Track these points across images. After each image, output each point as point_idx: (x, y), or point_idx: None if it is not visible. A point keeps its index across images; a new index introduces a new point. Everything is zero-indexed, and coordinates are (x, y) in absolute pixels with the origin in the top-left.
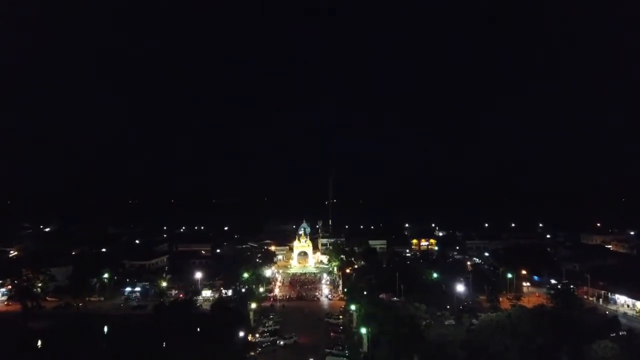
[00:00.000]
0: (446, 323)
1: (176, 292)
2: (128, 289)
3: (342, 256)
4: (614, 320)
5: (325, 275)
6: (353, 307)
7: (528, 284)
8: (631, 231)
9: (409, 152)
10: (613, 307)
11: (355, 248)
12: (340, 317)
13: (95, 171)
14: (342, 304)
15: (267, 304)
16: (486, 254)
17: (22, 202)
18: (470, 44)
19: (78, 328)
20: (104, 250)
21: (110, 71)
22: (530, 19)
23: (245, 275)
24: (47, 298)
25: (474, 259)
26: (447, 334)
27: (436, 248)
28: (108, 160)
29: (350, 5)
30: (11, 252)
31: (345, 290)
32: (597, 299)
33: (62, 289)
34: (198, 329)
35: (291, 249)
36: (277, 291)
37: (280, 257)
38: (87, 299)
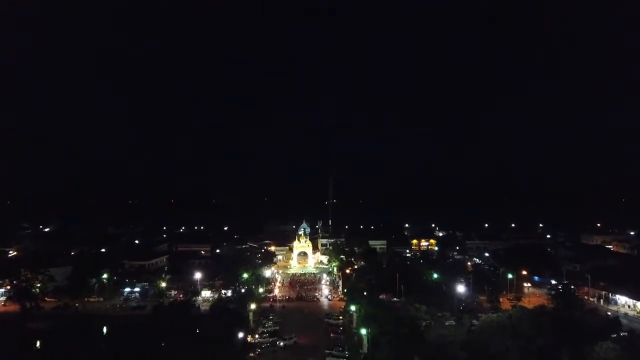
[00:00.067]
0: (446, 324)
1: (175, 292)
2: (127, 289)
3: (342, 256)
4: (615, 321)
5: (325, 275)
6: (353, 307)
7: (528, 284)
8: (631, 231)
9: (409, 152)
10: (614, 308)
11: (355, 248)
12: (340, 317)
13: (95, 171)
14: (342, 304)
15: (266, 304)
16: (486, 254)
17: (22, 202)
18: (470, 44)
19: (77, 329)
20: (103, 250)
21: (110, 71)
22: (530, 19)
23: (245, 275)
24: (46, 298)
25: (474, 259)
26: (447, 335)
27: (436, 248)
28: (108, 160)
29: (350, 5)
30: (10, 252)
31: (345, 290)
32: (598, 300)
33: (61, 290)
34: (197, 330)
35: (291, 249)
36: (276, 292)
37: (280, 257)
38: (86, 299)
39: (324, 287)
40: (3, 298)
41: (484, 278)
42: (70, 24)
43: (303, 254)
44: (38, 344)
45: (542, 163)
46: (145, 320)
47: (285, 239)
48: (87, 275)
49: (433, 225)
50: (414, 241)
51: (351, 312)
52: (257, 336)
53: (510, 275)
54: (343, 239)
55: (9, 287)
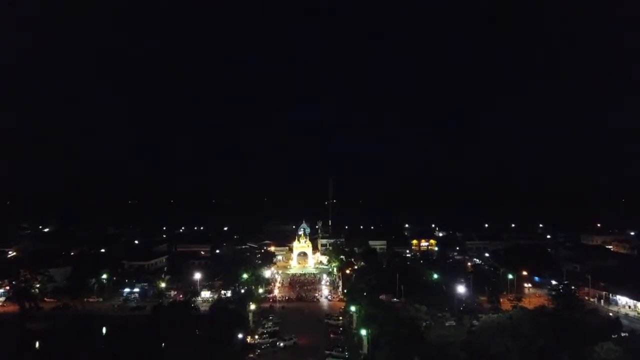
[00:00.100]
0: (447, 324)
1: (175, 293)
2: (127, 289)
3: (341, 257)
4: (615, 322)
5: (324, 276)
6: (353, 308)
7: (529, 284)
8: (631, 231)
9: (409, 152)
10: (614, 308)
11: (355, 248)
12: (340, 318)
13: (95, 171)
14: (342, 305)
15: (266, 305)
16: (486, 254)
17: (21, 202)
18: (470, 44)
19: (76, 329)
20: (103, 250)
21: (110, 71)
22: (530, 19)
23: (245, 276)
24: (45, 299)
25: (475, 259)
26: (447, 335)
27: (436, 248)
28: (108, 160)
29: (350, 5)
30: (10, 252)
31: (345, 291)
32: (598, 300)
33: (60, 290)
34: (197, 331)
35: (291, 250)
36: (276, 292)
37: (279, 257)
38: (85, 299)
39: (323, 287)
40: (2, 298)
41: (484, 278)
42: (70, 24)
43: (303, 254)
44: (37, 344)
45: (542, 163)
46: (145, 320)
47: (285, 239)
48: (86, 275)
49: (433, 225)
50: (414, 241)
51: (351, 313)
52: (256, 337)
53: (510, 276)
54: (343, 239)
55: (8, 287)
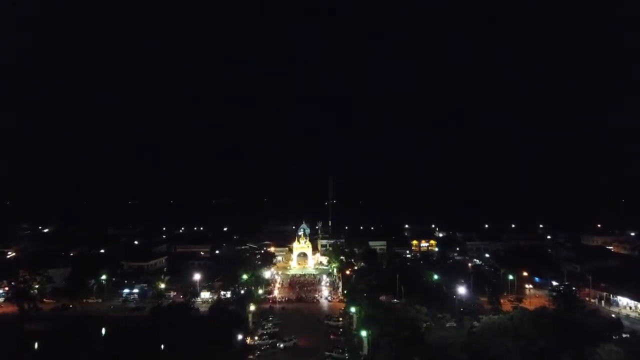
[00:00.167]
0: (447, 325)
1: (174, 293)
2: (126, 290)
3: (341, 257)
4: (616, 323)
5: (324, 276)
6: (353, 309)
7: (529, 285)
8: (632, 232)
9: (409, 152)
10: (615, 309)
11: (355, 249)
12: (340, 319)
13: (95, 171)
14: (342, 305)
15: (266, 305)
16: (487, 255)
17: (21, 202)
18: (470, 44)
19: (75, 330)
20: (102, 251)
21: (110, 71)
22: (530, 19)
23: (245, 276)
24: (45, 300)
25: (475, 260)
26: (448, 337)
27: (436, 249)
28: (108, 160)
29: (350, 5)
30: (9, 253)
31: (345, 292)
32: (599, 301)
33: (59, 291)
34: (196, 332)
35: (291, 250)
36: (276, 293)
37: (279, 258)
38: (84, 300)
39: (323, 288)
40: (1, 299)
41: (484, 279)
42: (70, 24)
43: (303, 255)
44: (36, 345)
45: (542, 163)
46: (144, 321)
47: (285, 240)
48: (85, 276)
49: (433, 225)
50: (414, 242)
51: (351, 314)
52: (256, 338)
53: (510, 277)
54: (343, 240)
55: (7, 288)
